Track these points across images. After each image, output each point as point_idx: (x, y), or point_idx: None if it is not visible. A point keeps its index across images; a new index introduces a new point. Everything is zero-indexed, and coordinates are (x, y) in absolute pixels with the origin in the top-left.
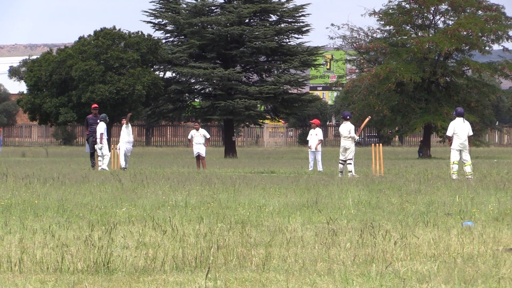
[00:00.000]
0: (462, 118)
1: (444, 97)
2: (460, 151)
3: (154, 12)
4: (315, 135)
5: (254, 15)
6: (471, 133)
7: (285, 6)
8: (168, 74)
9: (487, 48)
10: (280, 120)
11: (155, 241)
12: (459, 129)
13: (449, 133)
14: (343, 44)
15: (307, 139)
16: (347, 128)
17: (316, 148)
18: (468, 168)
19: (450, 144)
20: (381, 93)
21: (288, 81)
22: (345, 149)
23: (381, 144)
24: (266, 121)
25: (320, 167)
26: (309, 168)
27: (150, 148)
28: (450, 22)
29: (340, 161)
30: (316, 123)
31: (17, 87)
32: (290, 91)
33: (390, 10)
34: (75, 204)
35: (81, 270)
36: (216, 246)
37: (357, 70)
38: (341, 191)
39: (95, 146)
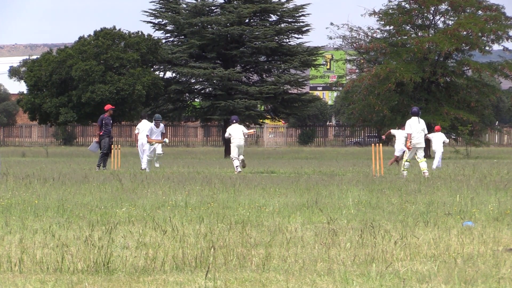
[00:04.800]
0: (417, 117)
1: (444, 97)
2: (416, 149)
3: (154, 12)
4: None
5: (254, 15)
6: (426, 132)
7: (285, 6)
8: (168, 74)
9: (487, 48)
10: (280, 120)
11: (155, 241)
12: (416, 128)
13: (408, 131)
14: (343, 44)
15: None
16: (241, 129)
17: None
18: (423, 164)
19: (411, 142)
20: (381, 93)
21: (288, 81)
22: (240, 147)
23: (381, 144)
24: (266, 121)
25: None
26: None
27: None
28: (450, 22)
29: (234, 159)
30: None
31: (17, 87)
32: (290, 91)
33: (390, 10)
34: (75, 204)
35: (81, 270)
36: (215, 246)
37: (357, 70)
38: (341, 191)
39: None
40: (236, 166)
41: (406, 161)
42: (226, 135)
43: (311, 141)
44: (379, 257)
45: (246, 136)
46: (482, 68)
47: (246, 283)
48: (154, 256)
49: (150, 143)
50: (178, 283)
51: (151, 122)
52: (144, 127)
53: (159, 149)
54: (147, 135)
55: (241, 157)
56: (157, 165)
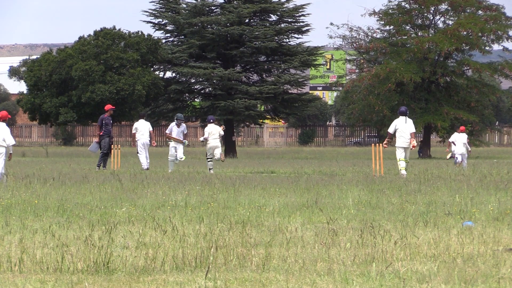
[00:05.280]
0: (405, 117)
1: (444, 97)
2: (405, 148)
3: (154, 12)
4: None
5: (254, 15)
6: (413, 130)
7: (285, 6)
8: (168, 74)
9: (487, 48)
10: (280, 120)
11: (155, 241)
12: (402, 128)
13: (390, 130)
14: (343, 44)
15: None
16: (218, 130)
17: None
18: (402, 163)
19: (388, 141)
20: (381, 93)
21: (288, 81)
22: (215, 148)
23: (381, 144)
24: (266, 121)
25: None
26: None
27: (150, 148)
28: (450, 22)
29: (208, 159)
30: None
31: (17, 87)
32: (290, 91)
33: (390, 10)
34: (75, 204)
35: (81, 270)
36: (216, 246)
37: (357, 70)
38: (341, 191)
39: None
40: (210, 169)
41: (399, 160)
42: (206, 135)
43: (311, 141)
44: (379, 257)
45: (220, 137)
46: (482, 68)
47: (246, 283)
48: (154, 256)
49: (169, 139)
50: (178, 283)
51: (148, 121)
52: (141, 127)
53: (180, 153)
54: (167, 133)
55: (217, 156)
56: (174, 165)
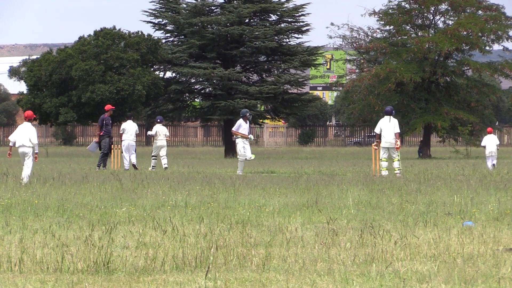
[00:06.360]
0: (389, 117)
1: (444, 97)
2: (388, 148)
3: (154, 12)
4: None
5: (254, 15)
6: (397, 130)
7: (285, 5)
8: (168, 74)
9: (487, 48)
10: (280, 120)
11: (155, 241)
12: (385, 127)
13: (376, 130)
14: (343, 44)
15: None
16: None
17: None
18: (396, 164)
19: (378, 142)
20: (381, 93)
21: (288, 81)
22: (161, 147)
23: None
24: (266, 121)
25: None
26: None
27: (150, 148)
28: (450, 22)
29: (153, 157)
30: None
31: (17, 87)
32: (290, 91)
33: (390, 10)
34: (75, 204)
35: (81, 270)
36: (216, 246)
37: (357, 70)
38: (341, 191)
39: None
40: (153, 166)
41: (381, 160)
42: (153, 132)
43: (311, 141)
44: (379, 257)
45: (167, 138)
46: (482, 68)
47: (246, 283)
48: (154, 256)
49: (236, 135)
50: (178, 283)
51: (135, 122)
52: (129, 128)
53: (249, 152)
54: (233, 130)
55: (165, 161)
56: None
